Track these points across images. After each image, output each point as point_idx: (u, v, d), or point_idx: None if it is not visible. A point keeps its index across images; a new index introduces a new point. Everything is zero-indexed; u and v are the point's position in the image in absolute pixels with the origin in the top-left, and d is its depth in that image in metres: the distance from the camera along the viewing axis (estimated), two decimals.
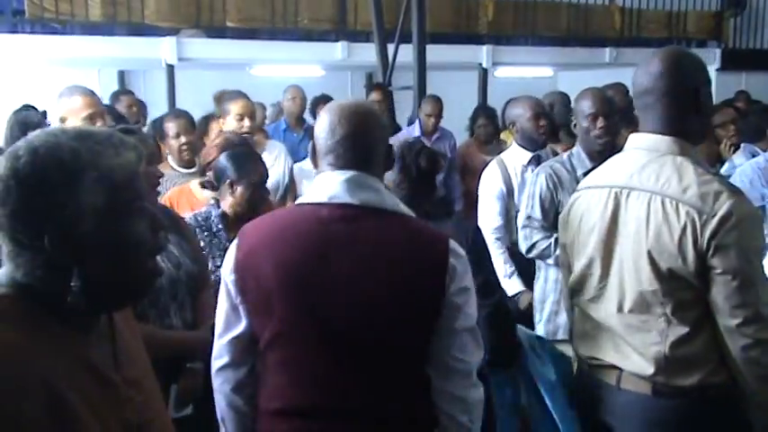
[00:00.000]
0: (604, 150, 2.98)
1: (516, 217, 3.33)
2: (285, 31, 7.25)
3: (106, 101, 5.38)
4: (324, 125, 1.63)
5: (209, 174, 2.83)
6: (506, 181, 3.53)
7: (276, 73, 6.90)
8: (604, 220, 1.92)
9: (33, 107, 3.56)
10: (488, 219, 3.50)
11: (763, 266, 1.78)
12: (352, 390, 1.58)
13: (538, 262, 3.25)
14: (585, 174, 3.05)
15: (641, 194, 1.85)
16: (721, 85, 7.14)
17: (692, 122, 1.86)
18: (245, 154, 2.77)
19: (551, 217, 3.06)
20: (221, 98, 3.73)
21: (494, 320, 2.03)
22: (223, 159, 2.70)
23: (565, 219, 2.10)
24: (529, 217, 3.13)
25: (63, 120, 3.03)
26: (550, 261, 3.12)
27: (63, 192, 1.00)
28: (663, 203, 1.79)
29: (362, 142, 1.62)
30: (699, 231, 1.74)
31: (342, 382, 1.58)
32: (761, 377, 1.75)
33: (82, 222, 1.01)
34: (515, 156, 3.62)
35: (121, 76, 7.97)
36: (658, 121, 1.88)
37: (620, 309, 1.89)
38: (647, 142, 1.89)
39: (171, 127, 3.62)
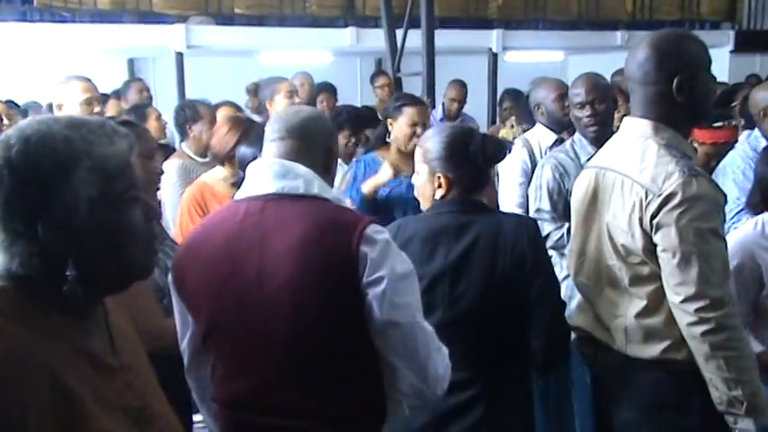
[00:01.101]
0: (597, 137, 2.98)
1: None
2: (293, 18, 7.22)
3: (114, 89, 5.42)
4: (267, 126, 1.68)
5: (227, 166, 2.78)
6: (532, 159, 3.47)
7: (285, 60, 6.87)
8: (586, 198, 2.01)
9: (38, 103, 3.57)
10: (511, 197, 3.43)
11: (718, 248, 1.80)
12: (284, 386, 1.55)
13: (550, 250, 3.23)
14: (590, 160, 3.06)
15: (613, 174, 1.93)
16: (735, 66, 7.05)
17: (674, 108, 1.88)
18: (262, 137, 2.70)
19: (561, 207, 3.06)
20: (260, 86, 3.76)
21: (553, 327, 1.93)
22: (245, 149, 2.63)
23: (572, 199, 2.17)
24: (538, 209, 3.12)
25: (60, 106, 3.05)
26: (565, 251, 3.08)
27: (57, 181, 1.00)
28: (622, 182, 1.88)
29: (297, 135, 1.63)
30: (644, 209, 1.80)
31: (273, 377, 1.55)
32: (705, 354, 1.78)
33: (76, 212, 1.01)
34: (540, 136, 3.57)
35: (131, 63, 7.96)
36: (640, 105, 1.93)
37: (594, 282, 1.98)
38: (630, 125, 1.97)
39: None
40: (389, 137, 3.28)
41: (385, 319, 1.48)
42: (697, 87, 1.89)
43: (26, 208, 1.00)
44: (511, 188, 3.46)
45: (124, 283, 1.14)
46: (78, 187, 1.01)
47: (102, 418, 1.02)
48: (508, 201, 3.40)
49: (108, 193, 1.03)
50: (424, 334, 1.53)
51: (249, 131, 2.80)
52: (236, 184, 2.70)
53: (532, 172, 3.35)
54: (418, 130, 3.22)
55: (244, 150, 2.64)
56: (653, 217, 1.79)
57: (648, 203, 1.80)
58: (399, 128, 3.24)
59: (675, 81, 1.85)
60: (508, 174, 3.48)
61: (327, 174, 1.67)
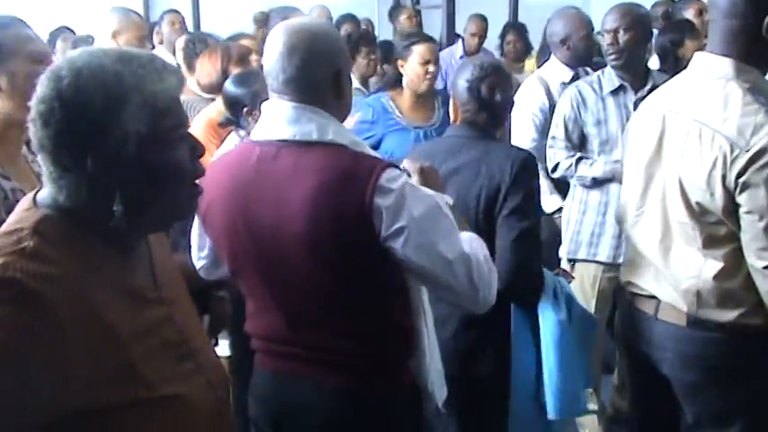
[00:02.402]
0: (617, 66, 2.96)
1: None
2: None
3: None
4: (267, 45, 1.56)
5: (220, 105, 2.67)
6: (549, 97, 3.38)
7: None
8: (650, 143, 1.84)
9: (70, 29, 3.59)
10: (525, 135, 3.34)
11: None
12: (305, 326, 1.57)
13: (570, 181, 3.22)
14: (613, 92, 3.00)
15: (687, 121, 1.74)
16: None
17: (760, 48, 1.69)
18: (251, 74, 2.55)
19: (575, 137, 3.05)
20: (270, 16, 3.64)
21: (518, 246, 1.93)
22: (231, 86, 2.53)
23: (623, 140, 2.04)
24: (554, 137, 3.10)
25: (115, 33, 3.05)
26: (573, 180, 3.11)
27: (107, 116, 1.00)
28: (700, 132, 1.70)
29: (299, 66, 1.51)
30: (728, 166, 1.64)
31: (294, 319, 1.57)
32: None
33: (125, 147, 1.01)
34: (556, 73, 3.46)
35: None
36: (720, 40, 1.73)
37: (659, 238, 1.83)
38: (705, 63, 1.77)
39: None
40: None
41: (418, 264, 1.47)
42: None
43: (76, 141, 1.00)
44: (526, 129, 3.36)
45: (169, 221, 1.16)
46: (128, 123, 1.01)
47: (137, 350, 1.03)
48: (521, 141, 3.30)
49: (156, 130, 1.03)
50: (463, 266, 1.49)
51: (231, 56, 2.72)
52: (223, 125, 2.64)
53: (550, 111, 3.27)
54: (430, 68, 3.17)
55: (232, 90, 2.53)
56: (739, 175, 1.63)
57: (734, 159, 1.62)
58: (411, 68, 3.18)
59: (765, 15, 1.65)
60: (521, 113, 3.35)
61: (341, 99, 1.57)
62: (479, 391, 2.01)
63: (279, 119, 1.54)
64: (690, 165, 1.72)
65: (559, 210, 3.32)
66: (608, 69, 3.06)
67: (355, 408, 1.56)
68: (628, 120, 2.99)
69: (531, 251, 2.00)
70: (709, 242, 1.73)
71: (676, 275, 1.80)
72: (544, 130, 3.29)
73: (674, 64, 3.51)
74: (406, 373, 1.62)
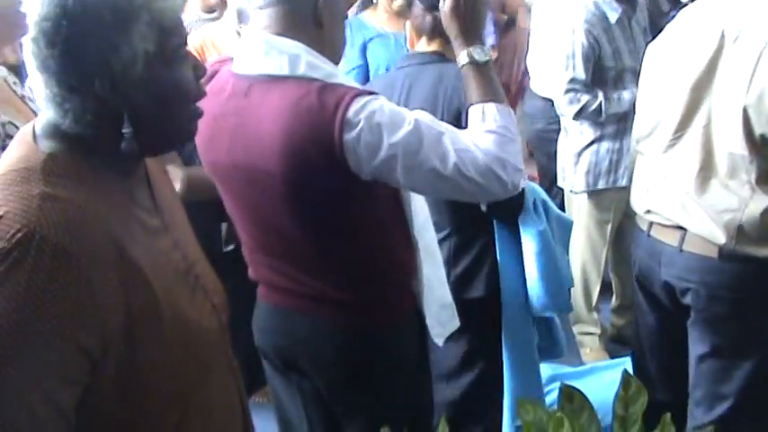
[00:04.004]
0: None
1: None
2: None
3: None
4: None
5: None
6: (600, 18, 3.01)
7: None
8: (699, 62, 1.67)
9: None
10: (567, 72, 3.03)
11: None
12: (286, 263, 1.56)
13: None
14: (617, 19, 2.91)
15: (754, 40, 1.58)
16: None
17: None
18: None
19: (591, 74, 2.98)
20: None
21: None
22: None
23: (651, 50, 1.86)
24: (572, 79, 2.99)
25: None
26: (601, 119, 3.03)
27: (115, 34, 0.97)
28: None
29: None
30: None
31: (275, 256, 1.57)
32: None
33: (134, 66, 0.99)
34: None
35: None
36: None
37: (697, 168, 1.72)
38: None
39: None
40: None
41: (419, 188, 1.46)
42: None
43: (83, 61, 0.97)
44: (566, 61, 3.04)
45: (171, 143, 1.14)
46: (136, 41, 0.98)
47: (159, 283, 1.02)
48: (562, 79, 3.04)
49: (164, 49, 1.01)
50: (467, 169, 1.39)
51: None
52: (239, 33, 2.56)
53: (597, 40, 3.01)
54: None
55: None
56: None
57: None
58: None
59: None
60: (561, 42, 3.06)
61: (322, 29, 1.47)
62: (474, 313, 2.04)
63: (251, 52, 1.47)
64: (760, 93, 1.58)
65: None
66: None
67: (356, 341, 1.57)
68: (636, 46, 2.94)
69: None
70: (764, 176, 1.65)
71: (715, 207, 1.72)
72: (588, 61, 3.02)
73: None
74: (407, 301, 1.62)
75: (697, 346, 1.90)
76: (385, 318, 1.59)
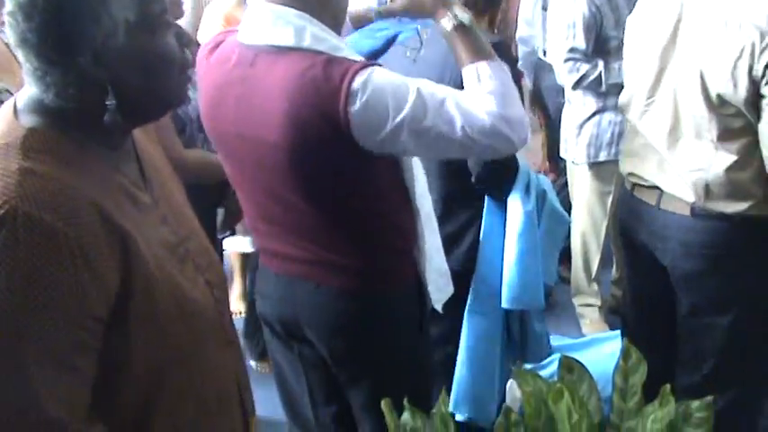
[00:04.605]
0: None
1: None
2: None
3: None
4: None
5: None
6: None
7: None
8: (665, 29, 1.76)
9: None
10: (567, 41, 3.03)
11: None
12: (294, 236, 1.57)
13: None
14: None
15: (707, 6, 1.66)
16: None
17: None
18: None
19: (592, 44, 2.96)
20: None
21: None
22: None
23: (629, 23, 1.95)
24: (572, 49, 2.97)
25: None
26: (602, 89, 3.03)
27: (94, 4, 0.94)
28: (726, 20, 1.63)
29: None
30: (757, 55, 1.59)
31: (278, 227, 1.58)
32: None
33: (114, 36, 0.97)
34: None
35: None
36: None
37: (668, 130, 1.81)
38: None
39: None
40: None
41: (430, 154, 1.52)
42: None
43: (63, 33, 0.94)
44: (567, 30, 3.05)
45: (160, 111, 1.12)
46: (116, 10, 0.96)
47: (149, 255, 1.01)
48: (562, 47, 3.04)
49: (145, 17, 0.99)
50: (473, 131, 1.41)
51: None
52: None
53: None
54: None
55: None
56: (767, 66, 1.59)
57: (764, 49, 1.58)
58: None
59: None
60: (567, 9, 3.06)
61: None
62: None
63: (258, 22, 1.47)
64: (712, 55, 1.66)
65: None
66: None
67: (357, 308, 1.58)
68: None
69: None
70: (724, 135, 1.72)
71: (684, 167, 1.80)
72: (590, 32, 3.02)
73: None
74: (407, 268, 1.63)
75: (678, 305, 1.96)
76: (386, 284, 1.61)
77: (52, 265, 0.90)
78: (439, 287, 1.72)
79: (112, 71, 0.98)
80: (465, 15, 1.53)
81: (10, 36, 0.96)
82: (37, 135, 0.97)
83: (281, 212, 1.56)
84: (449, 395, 1.94)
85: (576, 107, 3.19)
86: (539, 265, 2.06)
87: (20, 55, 0.97)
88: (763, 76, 1.61)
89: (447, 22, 1.53)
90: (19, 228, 0.89)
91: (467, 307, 2.07)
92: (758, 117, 1.67)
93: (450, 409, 2.04)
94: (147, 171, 1.13)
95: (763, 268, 1.84)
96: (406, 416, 1.58)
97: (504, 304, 2.05)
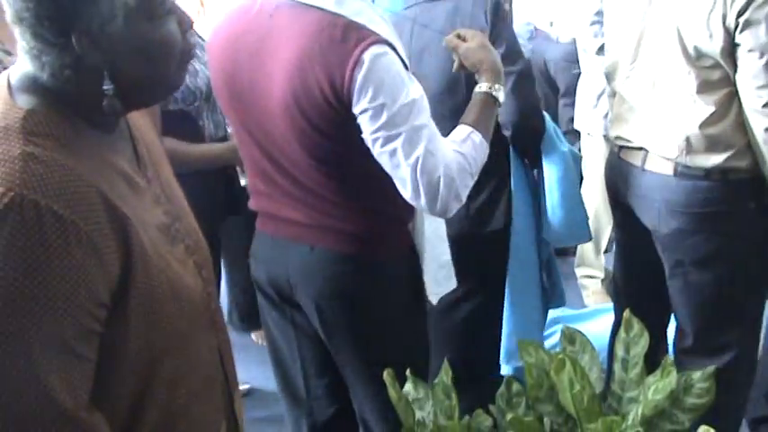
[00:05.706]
0: None
1: None
2: None
3: None
4: None
5: None
6: None
7: None
8: None
9: None
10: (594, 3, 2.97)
11: None
12: (293, 196, 1.56)
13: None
14: None
15: None
16: None
17: None
18: None
19: None
20: None
21: (519, 89, 1.91)
22: None
23: None
24: (599, 12, 2.83)
25: None
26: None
27: None
28: None
29: None
30: (728, 5, 1.64)
31: (274, 188, 1.57)
32: None
33: (112, 21, 0.94)
34: None
35: None
36: None
37: (650, 89, 1.85)
38: None
39: None
40: None
41: (372, 154, 1.45)
42: None
43: (59, 14, 0.92)
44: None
45: (157, 97, 1.11)
46: None
47: (146, 239, 1.01)
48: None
49: (145, 2, 0.97)
50: (425, 172, 1.44)
51: None
52: None
53: None
54: None
55: None
56: (740, 14, 1.65)
57: None
58: None
59: None
60: None
61: None
62: (495, 246, 2.05)
63: None
64: (687, 9, 1.73)
65: None
66: None
67: (350, 271, 1.58)
68: None
69: (530, 90, 2.02)
70: (703, 87, 1.77)
71: (666, 123, 1.85)
72: None
73: None
74: (403, 238, 1.64)
75: (665, 265, 2.00)
76: (380, 250, 1.60)
77: (60, 254, 0.89)
78: (438, 280, 1.72)
79: (110, 56, 0.95)
80: (501, 95, 1.59)
81: (6, 11, 0.94)
82: (36, 117, 0.95)
83: (279, 172, 1.56)
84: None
85: (594, 78, 3.14)
86: (581, 201, 2.14)
87: (16, 32, 0.95)
88: (737, 25, 1.67)
89: (485, 86, 1.58)
90: (26, 217, 0.88)
91: (509, 264, 2.11)
92: (735, 67, 1.72)
93: (502, 362, 2.17)
94: (141, 150, 1.12)
95: (743, 225, 1.88)
96: (408, 386, 1.59)
97: (554, 244, 2.14)
